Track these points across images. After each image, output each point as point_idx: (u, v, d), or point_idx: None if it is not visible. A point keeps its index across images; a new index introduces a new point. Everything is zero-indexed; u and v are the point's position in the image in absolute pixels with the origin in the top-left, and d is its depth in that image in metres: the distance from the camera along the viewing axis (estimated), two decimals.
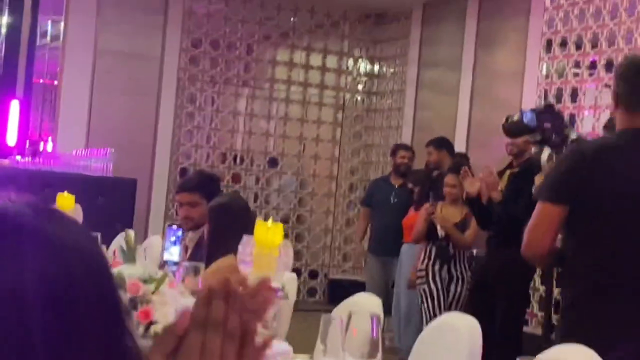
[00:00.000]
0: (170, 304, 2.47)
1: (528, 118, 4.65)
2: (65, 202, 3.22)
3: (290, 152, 10.84)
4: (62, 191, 7.67)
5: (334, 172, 11.06)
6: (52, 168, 8.40)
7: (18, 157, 8.66)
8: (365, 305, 3.38)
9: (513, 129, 4.85)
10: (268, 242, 2.03)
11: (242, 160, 10.76)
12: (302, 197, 10.94)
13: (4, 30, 9.60)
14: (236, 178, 10.59)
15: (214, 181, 4.85)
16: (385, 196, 8.17)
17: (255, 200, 10.59)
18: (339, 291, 7.74)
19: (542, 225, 3.04)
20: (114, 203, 7.80)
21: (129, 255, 2.76)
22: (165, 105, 10.12)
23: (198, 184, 4.60)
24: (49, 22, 10.12)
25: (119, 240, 5.85)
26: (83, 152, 8.43)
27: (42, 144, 9.79)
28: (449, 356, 2.92)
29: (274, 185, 10.86)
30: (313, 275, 10.78)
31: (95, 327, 0.90)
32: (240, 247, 2.04)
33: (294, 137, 10.86)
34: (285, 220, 10.75)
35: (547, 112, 4.78)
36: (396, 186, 8.16)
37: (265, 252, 2.01)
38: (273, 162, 10.82)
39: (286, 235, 10.59)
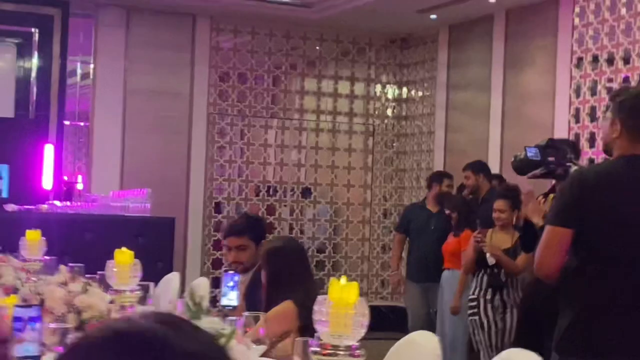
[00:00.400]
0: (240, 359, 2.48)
1: (532, 153, 4.74)
2: (125, 257, 3.24)
3: (322, 181, 10.86)
4: (102, 234, 7.73)
5: (367, 199, 11.06)
6: (90, 211, 8.45)
7: (57, 202, 8.71)
8: (426, 346, 3.39)
9: (520, 166, 4.94)
10: (343, 300, 2.03)
11: (275, 191, 10.79)
12: (337, 226, 10.95)
13: (34, 73, 9.71)
14: (270, 210, 10.62)
15: (260, 223, 4.88)
16: (424, 223, 8.13)
17: (290, 231, 10.62)
18: (379, 318, 7.72)
19: (551, 247, 3.31)
20: (153, 242, 7.82)
21: (196, 312, 2.76)
22: (197, 141, 10.19)
23: (246, 228, 4.63)
24: (78, 64, 10.22)
25: (165, 282, 5.88)
26: (119, 193, 8.47)
27: (76, 186, 9.85)
28: None
29: (308, 215, 10.88)
30: None
31: None
32: (315, 307, 2.04)
33: (326, 166, 10.88)
34: (321, 250, 10.77)
35: (550, 147, 4.85)
36: (434, 212, 8.13)
37: (341, 311, 2.02)
38: (306, 192, 10.85)
39: (323, 265, 10.64)
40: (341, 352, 2.02)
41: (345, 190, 10.96)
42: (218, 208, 10.45)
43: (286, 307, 3.64)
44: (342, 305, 2.01)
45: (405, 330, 7.41)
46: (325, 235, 10.82)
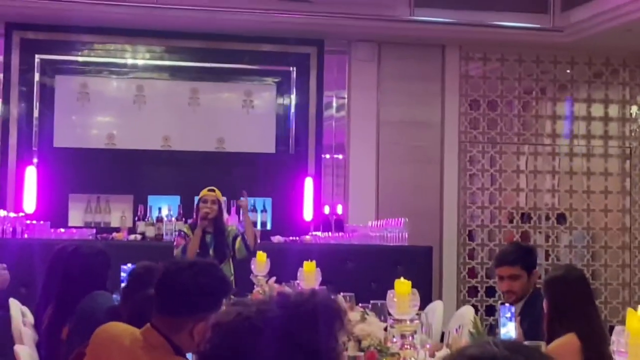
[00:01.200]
0: None
1: None
2: (404, 288, 3.38)
3: (578, 206, 10.65)
4: (363, 263, 7.97)
5: (626, 223, 10.72)
6: (350, 241, 8.74)
7: (318, 233, 9.07)
8: None
9: None
10: None
11: (529, 218, 10.69)
12: (595, 252, 10.68)
13: (292, 109, 10.16)
14: (525, 236, 10.53)
15: (532, 253, 4.91)
16: None
17: (546, 259, 10.46)
18: None
19: None
20: (411, 271, 7.97)
21: (479, 341, 2.86)
22: (449, 170, 10.30)
23: (518, 257, 4.69)
24: (334, 98, 10.58)
25: (431, 310, 6.00)
26: (377, 223, 8.71)
27: (334, 216, 10.20)
28: None
29: (564, 242, 10.68)
30: None
31: None
32: (614, 337, 2.08)
33: (581, 191, 10.67)
34: None
35: None
36: None
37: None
38: (561, 218, 10.67)
39: None
40: None
41: (602, 215, 10.69)
42: (471, 236, 10.49)
43: (570, 341, 3.60)
44: None
45: None
46: (583, 262, 10.58)
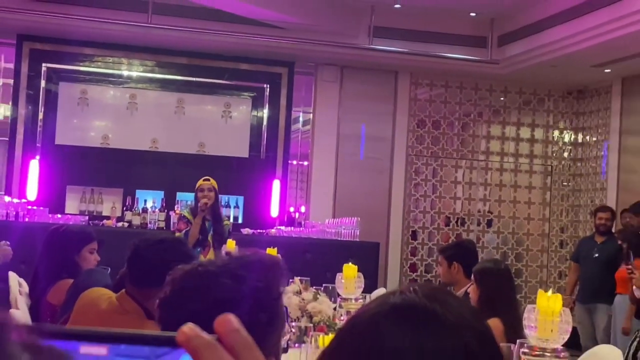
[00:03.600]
0: None
1: None
2: (350, 272, 3.37)
3: (505, 214, 10.74)
4: (319, 255, 7.94)
5: (545, 230, 10.82)
6: (309, 235, 8.72)
7: (282, 227, 9.04)
8: (607, 357, 3.31)
9: None
10: (549, 310, 2.05)
11: (463, 222, 10.74)
12: (518, 253, 10.76)
13: (265, 121, 10.13)
14: (458, 238, 10.56)
15: (457, 248, 4.90)
16: (588, 252, 7.95)
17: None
18: None
19: None
20: (360, 263, 7.95)
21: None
22: (397, 178, 10.33)
23: (446, 248, 4.67)
24: (301, 113, 10.60)
25: (375, 294, 5.99)
26: (333, 221, 8.69)
27: (297, 214, 10.18)
28: None
29: (493, 244, 10.75)
30: None
31: None
32: (525, 314, 2.08)
33: (508, 201, 10.75)
34: None
35: None
36: (599, 243, 7.89)
37: (548, 318, 2.04)
38: (491, 223, 10.76)
39: None
40: (548, 354, 2.04)
41: (525, 223, 10.78)
42: (414, 236, 10.53)
43: (494, 325, 3.58)
44: (549, 313, 2.04)
45: (578, 347, 7.22)
46: (507, 262, 10.62)
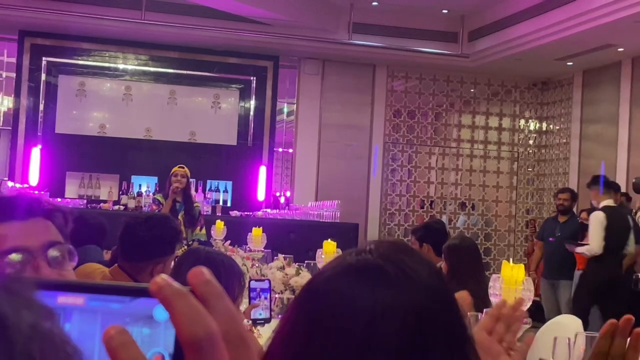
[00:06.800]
0: None
1: None
2: (331, 247, 3.35)
3: (475, 197, 10.76)
4: (302, 235, 7.92)
5: (512, 212, 10.85)
6: (293, 217, 8.69)
7: (268, 210, 9.01)
8: (569, 326, 3.31)
9: (637, 186, 4.74)
10: (513, 279, 2.04)
11: (436, 205, 10.75)
12: (488, 233, 10.80)
13: (252, 112, 10.08)
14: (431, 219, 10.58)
15: (426, 229, 4.87)
16: (551, 231, 7.96)
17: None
18: None
19: None
20: (341, 242, 7.94)
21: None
22: (375, 164, 10.31)
23: (417, 229, 4.66)
24: (285, 104, 10.56)
25: None
26: (315, 204, 8.68)
27: (282, 198, 10.15)
28: None
29: (464, 225, 10.78)
30: None
31: (444, 353, 0.87)
32: (490, 283, 2.07)
33: (478, 185, 10.77)
34: None
35: None
36: (561, 222, 7.91)
37: (512, 287, 2.03)
38: (463, 206, 10.77)
39: None
40: None
41: (494, 205, 10.81)
42: (391, 217, 10.53)
43: (462, 296, 3.57)
44: (512, 282, 2.03)
45: (543, 320, 7.26)
46: (477, 241, 10.66)
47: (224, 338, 0.47)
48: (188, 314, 0.46)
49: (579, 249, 7.01)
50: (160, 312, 0.48)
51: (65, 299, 0.50)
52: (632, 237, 6.98)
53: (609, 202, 6.86)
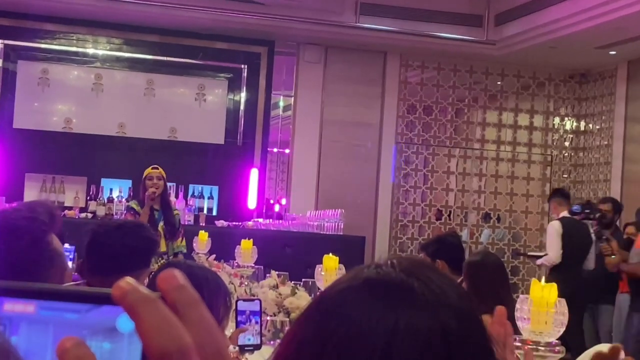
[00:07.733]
0: None
1: None
2: (331, 263, 3.35)
3: (501, 207, 10.76)
4: (300, 249, 7.93)
5: (544, 225, 10.83)
6: (289, 228, 8.70)
7: (260, 220, 9.02)
8: None
9: None
10: (544, 300, 2.03)
11: (456, 216, 10.76)
12: (515, 250, 10.78)
13: (242, 105, 10.09)
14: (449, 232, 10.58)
15: (438, 243, 4.88)
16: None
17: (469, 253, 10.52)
18: None
19: None
20: (345, 258, 7.94)
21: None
22: (385, 168, 10.32)
23: (427, 245, 4.66)
24: (281, 97, 10.57)
25: None
26: (316, 213, 8.68)
27: (277, 206, 10.16)
28: None
29: (488, 239, 10.78)
30: None
31: None
32: (517, 305, 2.06)
33: (505, 193, 10.77)
34: None
35: None
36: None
37: (542, 309, 2.03)
38: (487, 217, 10.77)
39: None
40: (542, 348, 2.03)
41: (523, 217, 10.81)
42: (403, 230, 10.52)
43: (485, 320, 3.53)
44: (543, 304, 2.02)
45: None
46: (504, 259, 10.65)
47: (199, 353, 0.46)
48: (157, 325, 0.45)
49: (539, 261, 7.92)
50: (124, 322, 0.48)
51: (12, 306, 0.49)
52: (592, 251, 7.56)
53: (565, 213, 7.74)
